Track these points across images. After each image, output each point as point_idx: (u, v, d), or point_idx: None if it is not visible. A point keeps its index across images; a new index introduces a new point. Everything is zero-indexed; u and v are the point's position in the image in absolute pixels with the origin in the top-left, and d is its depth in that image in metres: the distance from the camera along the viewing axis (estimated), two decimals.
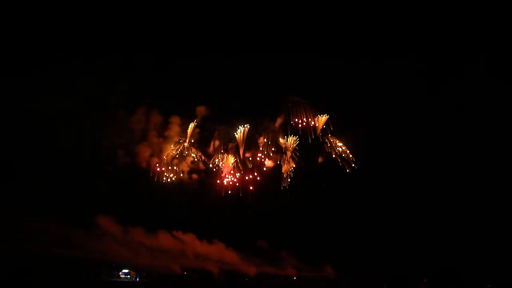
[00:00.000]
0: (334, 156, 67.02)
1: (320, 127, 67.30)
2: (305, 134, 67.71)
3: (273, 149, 67.91)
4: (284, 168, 67.66)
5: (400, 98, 63.39)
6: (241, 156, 67.90)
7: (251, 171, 67.63)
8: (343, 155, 67.05)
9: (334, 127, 67.40)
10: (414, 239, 59.43)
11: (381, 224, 62.34)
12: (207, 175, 67.68)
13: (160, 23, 64.53)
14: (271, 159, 67.99)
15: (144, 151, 65.08)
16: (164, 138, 66.53)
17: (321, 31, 65.45)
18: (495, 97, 58.40)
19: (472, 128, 60.24)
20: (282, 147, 67.99)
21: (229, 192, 66.41)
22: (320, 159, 67.56)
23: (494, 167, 58.56)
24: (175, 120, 66.35)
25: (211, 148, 68.03)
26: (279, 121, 68.11)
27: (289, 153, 67.72)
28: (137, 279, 58.55)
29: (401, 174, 63.92)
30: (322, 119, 67.02)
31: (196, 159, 67.48)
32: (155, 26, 64.61)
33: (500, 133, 58.18)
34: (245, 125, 67.59)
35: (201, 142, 68.35)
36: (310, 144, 67.36)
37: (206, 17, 65.44)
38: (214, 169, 67.34)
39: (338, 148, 67.42)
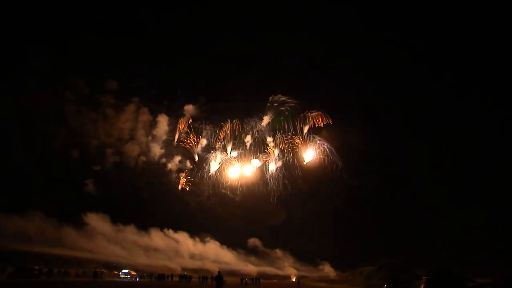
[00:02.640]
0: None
1: (307, 126, 67.75)
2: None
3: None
4: (271, 167, 68.38)
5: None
6: (229, 155, 68.42)
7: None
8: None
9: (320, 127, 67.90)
10: (414, 239, 59.64)
11: (381, 224, 62.50)
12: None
13: (149, 23, 65.26)
14: (258, 158, 68.80)
15: (133, 150, 65.38)
16: (152, 136, 67.24)
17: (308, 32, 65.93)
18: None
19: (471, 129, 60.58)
20: (269, 145, 68.66)
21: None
22: (307, 159, 67.81)
23: (493, 167, 58.70)
24: (163, 119, 67.09)
25: (199, 147, 68.66)
26: (266, 119, 68.84)
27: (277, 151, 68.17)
28: (137, 279, 58.44)
29: (400, 173, 64.19)
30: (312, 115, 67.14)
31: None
32: (144, 26, 65.29)
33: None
34: (233, 123, 68.43)
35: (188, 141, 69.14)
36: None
37: (194, 17, 66.17)
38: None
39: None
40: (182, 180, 67.89)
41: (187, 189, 67.66)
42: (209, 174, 68.19)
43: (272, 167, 67.97)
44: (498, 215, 55.00)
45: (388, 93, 64.99)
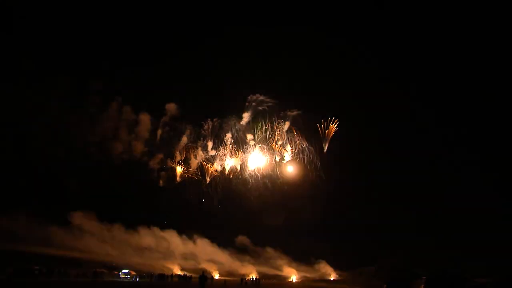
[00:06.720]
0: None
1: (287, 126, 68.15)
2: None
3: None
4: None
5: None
6: (209, 153, 69.09)
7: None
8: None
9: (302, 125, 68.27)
10: (414, 239, 59.81)
11: (381, 224, 62.68)
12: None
13: (132, 22, 65.42)
14: (238, 156, 69.02)
15: (117, 148, 65.61)
16: (135, 135, 67.35)
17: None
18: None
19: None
20: (249, 144, 68.96)
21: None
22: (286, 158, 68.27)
23: (492, 165, 59.09)
24: (145, 118, 67.22)
25: (180, 146, 69.08)
26: (245, 118, 69.00)
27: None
28: (137, 279, 58.51)
29: (399, 172, 64.43)
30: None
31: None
32: (126, 26, 65.43)
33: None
34: (213, 121, 68.85)
35: (170, 140, 69.24)
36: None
37: (174, 16, 66.57)
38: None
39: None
40: (163, 178, 68.68)
41: (170, 187, 68.39)
42: (191, 172, 68.96)
43: (252, 165, 68.86)
44: (498, 215, 55.44)
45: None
